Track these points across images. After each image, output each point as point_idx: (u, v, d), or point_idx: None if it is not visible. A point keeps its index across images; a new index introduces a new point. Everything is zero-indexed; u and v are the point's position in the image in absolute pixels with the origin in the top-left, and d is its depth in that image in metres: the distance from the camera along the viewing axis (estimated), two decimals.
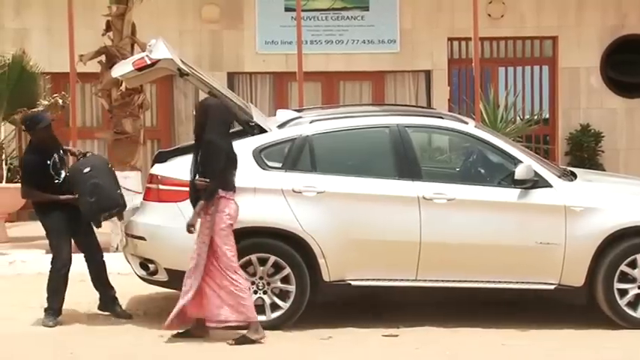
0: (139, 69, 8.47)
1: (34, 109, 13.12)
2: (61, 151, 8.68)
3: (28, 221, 14.52)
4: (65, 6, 12.31)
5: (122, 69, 8.79)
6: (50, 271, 8.55)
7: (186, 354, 7.58)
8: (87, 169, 8.31)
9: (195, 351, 7.63)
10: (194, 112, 8.26)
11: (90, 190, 8.29)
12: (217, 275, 7.75)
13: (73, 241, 8.68)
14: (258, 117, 8.77)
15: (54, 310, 8.49)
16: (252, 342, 7.71)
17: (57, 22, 14.53)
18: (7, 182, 13.48)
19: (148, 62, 8.39)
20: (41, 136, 8.49)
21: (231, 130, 8.17)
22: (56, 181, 8.48)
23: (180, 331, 7.93)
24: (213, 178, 7.74)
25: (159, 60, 8.37)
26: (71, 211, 8.46)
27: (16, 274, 10.94)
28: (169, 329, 7.88)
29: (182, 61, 8.50)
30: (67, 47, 12.22)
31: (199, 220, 7.74)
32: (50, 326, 8.38)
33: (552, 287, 8.25)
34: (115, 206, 8.42)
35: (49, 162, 8.46)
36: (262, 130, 8.52)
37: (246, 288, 7.76)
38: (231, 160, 7.88)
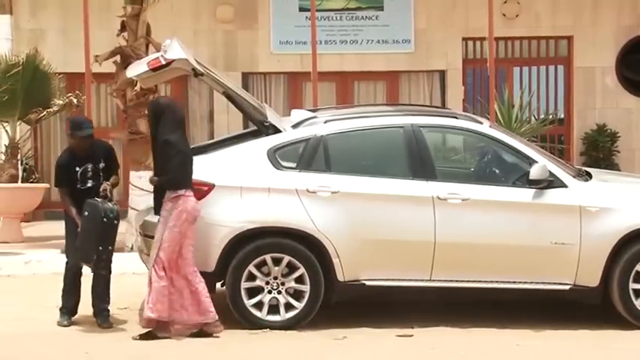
0: (154, 69, 8.49)
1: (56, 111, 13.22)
2: (101, 165, 8.53)
3: (44, 221, 14.60)
4: (80, 7, 12.36)
5: (137, 69, 8.81)
6: (66, 267, 8.59)
7: (201, 354, 7.59)
8: (85, 213, 8.18)
9: (210, 350, 7.64)
10: (147, 113, 8.27)
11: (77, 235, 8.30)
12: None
13: None
14: (272, 117, 8.78)
15: (68, 309, 8.52)
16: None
17: (72, 23, 14.59)
18: (22, 182, 13.54)
19: (163, 62, 8.41)
20: (78, 143, 8.46)
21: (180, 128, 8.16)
22: (79, 186, 8.46)
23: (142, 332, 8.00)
24: (169, 176, 7.89)
25: (173, 60, 8.39)
26: None
27: (32, 274, 10.99)
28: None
29: (197, 61, 8.52)
30: (83, 47, 12.28)
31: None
32: (65, 325, 8.41)
33: (567, 287, 8.23)
34: (84, 260, 8.25)
35: (78, 168, 8.44)
36: (277, 130, 8.53)
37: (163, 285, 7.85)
38: (188, 158, 7.99)
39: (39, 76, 13.55)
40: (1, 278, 10.79)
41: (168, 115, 8.04)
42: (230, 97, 8.86)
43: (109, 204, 8.15)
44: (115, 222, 8.16)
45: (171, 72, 8.73)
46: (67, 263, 8.56)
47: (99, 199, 8.19)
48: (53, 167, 8.73)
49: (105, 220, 8.07)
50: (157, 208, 8.06)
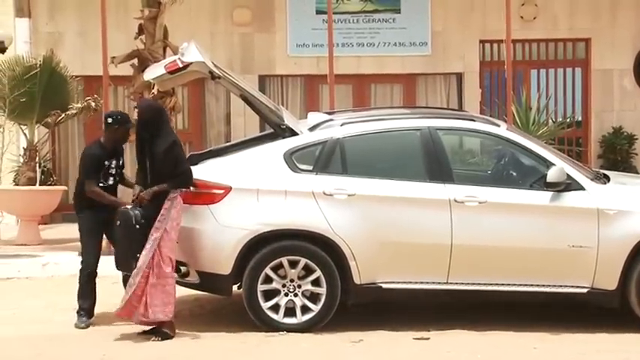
0: (171, 72, 8.51)
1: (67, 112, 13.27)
2: (121, 162, 8.66)
3: (62, 223, 14.65)
4: (98, 9, 12.40)
5: (154, 72, 8.84)
6: (81, 268, 8.61)
7: (218, 355, 7.60)
8: (118, 223, 8.17)
9: (227, 351, 7.65)
10: (137, 115, 8.23)
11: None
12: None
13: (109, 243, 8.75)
14: (289, 119, 8.79)
15: (85, 311, 8.54)
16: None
17: (90, 26, 14.63)
18: (40, 185, 13.60)
19: (180, 65, 8.43)
20: (116, 136, 8.52)
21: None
22: (101, 184, 8.50)
23: (146, 328, 8.06)
24: (183, 176, 8.01)
25: (191, 63, 8.41)
26: (108, 213, 8.41)
27: (49, 276, 11.03)
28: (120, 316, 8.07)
29: (214, 64, 8.54)
30: (100, 50, 12.31)
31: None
32: (82, 328, 8.44)
33: (585, 290, 8.19)
34: (126, 270, 8.20)
35: (106, 163, 8.52)
36: (293, 133, 8.53)
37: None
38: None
39: (57, 79, 13.59)
40: (19, 280, 10.84)
41: (165, 117, 8.19)
42: (247, 99, 8.87)
43: (138, 210, 8.07)
44: (147, 227, 8.04)
45: (189, 75, 8.75)
46: (82, 263, 8.58)
47: (129, 206, 8.17)
48: (74, 167, 8.75)
49: (137, 226, 8.03)
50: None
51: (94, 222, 8.52)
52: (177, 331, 8.20)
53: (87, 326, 8.46)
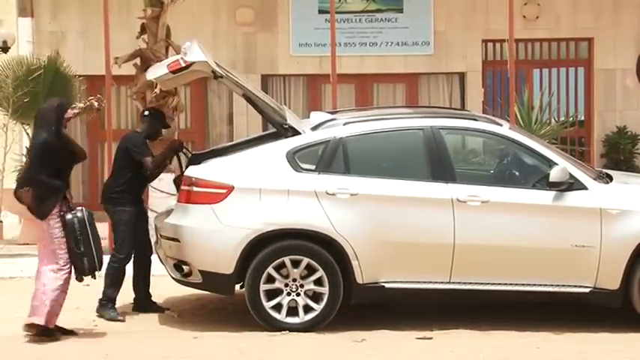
0: (174, 71, 8.52)
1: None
2: None
3: None
4: (101, 9, 12.41)
5: (157, 71, 8.85)
6: (116, 261, 8.73)
7: (220, 354, 7.60)
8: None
9: (229, 351, 7.65)
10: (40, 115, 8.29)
11: None
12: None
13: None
14: (291, 119, 8.79)
15: (114, 302, 8.74)
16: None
17: (92, 25, 14.63)
18: None
19: (183, 65, 8.44)
20: (158, 130, 9.14)
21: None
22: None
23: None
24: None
25: (193, 62, 8.41)
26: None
27: None
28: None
29: (216, 64, 8.54)
30: (103, 50, 12.32)
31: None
32: (122, 320, 8.59)
33: (587, 290, 8.19)
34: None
35: None
36: (296, 132, 8.53)
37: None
38: None
39: (60, 79, 13.60)
40: (22, 280, 10.82)
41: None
42: (249, 99, 8.87)
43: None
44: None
45: (191, 74, 8.76)
46: (120, 254, 8.74)
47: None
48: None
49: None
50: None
51: (136, 216, 8.80)
52: (179, 330, 8.22)
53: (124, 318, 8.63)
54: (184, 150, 9.13)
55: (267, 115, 8.89)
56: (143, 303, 8.95)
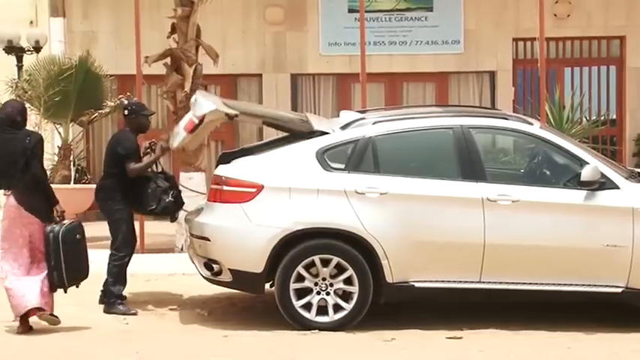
0: (191, 131, 8.60)
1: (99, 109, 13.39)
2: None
3: (96, 222, 14.73)
4: (132, 8, 12.48)
5: (178, 138, 8.90)
6: (118, 259, 8.83)
7: (250, 353, 7.62)
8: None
9: (259, 350, 7.67)
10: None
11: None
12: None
13: None
14: (318, 124, 8.76)
15: (123, 296, 8.81)
16: None
17: (123, 24, 14.73)
18: (75, 183, 13.70)
19: (196, 121, 8.53)
20: (143, 123, 9.11)
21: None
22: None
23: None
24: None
25: (204, 115, 8.46)
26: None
27: None
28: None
29: (226, 105, 8.57)
30: (134, 49, 12.39)
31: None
32: (135, 313, 8.70)
33: (619, 290, 8.13)
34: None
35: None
36: (324, 133, 8.52)
37: None
38: None
39: (91, 78, 13.71)
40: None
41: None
42: (271, 124, 8.87)
43: None
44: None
45: (210, 124, 8.80)
46: (124, 251, 8.85)
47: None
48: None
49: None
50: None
51: (129, 212, 8.94)
52: (209, 328, 8.25)
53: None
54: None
55: (292, 129, 8.78)
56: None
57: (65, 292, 8.19)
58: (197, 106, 8.52)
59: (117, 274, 8.82)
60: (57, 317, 8.10)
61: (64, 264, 7.99)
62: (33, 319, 8.14)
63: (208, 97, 8.55)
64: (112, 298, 8.81)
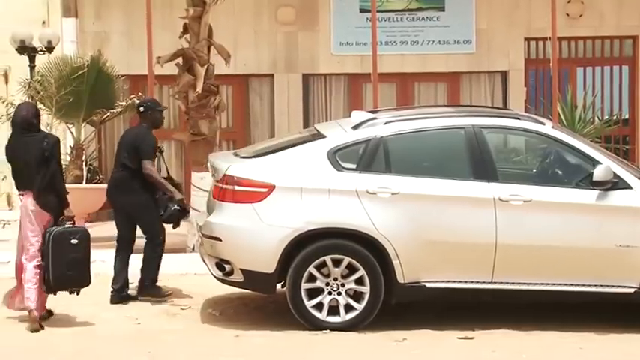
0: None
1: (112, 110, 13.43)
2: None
3: (107, 221, 14.76)
4: (144, 9, 12.50)
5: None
6: (157, 245, 9.11)
7: (262, 353, 7.62)
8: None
9: (273, 349, 7.67)
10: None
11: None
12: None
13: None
14: (324, 130, 8.76)
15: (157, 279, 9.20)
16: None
17: (135, 25, 14.74)
18: (87, 183, 13.72)
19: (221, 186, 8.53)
20: (158, 119, 9.37)
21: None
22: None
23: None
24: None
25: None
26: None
27: (95, 274, 11.07)
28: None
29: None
30: (145, 49, 12.41)
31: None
32: (170, 294, 9.09)
33: (632, 290, 8.11)
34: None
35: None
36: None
37: None
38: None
39: (103, 78, 13.73)
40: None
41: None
42: None
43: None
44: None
45: None
46: (159, 237, 9.16)
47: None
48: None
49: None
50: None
51: (152, 200, 9.22)
52: (221, 328, 8.26)
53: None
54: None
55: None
56: (120, 294, 9.24)
57: (54, 294, 8.32)
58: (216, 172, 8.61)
59: (156, 260, 9.13)
60: (42, 325, 8.20)
61: (51, 265, 8.07)
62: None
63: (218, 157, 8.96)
64: (148, 281, 9.11)
